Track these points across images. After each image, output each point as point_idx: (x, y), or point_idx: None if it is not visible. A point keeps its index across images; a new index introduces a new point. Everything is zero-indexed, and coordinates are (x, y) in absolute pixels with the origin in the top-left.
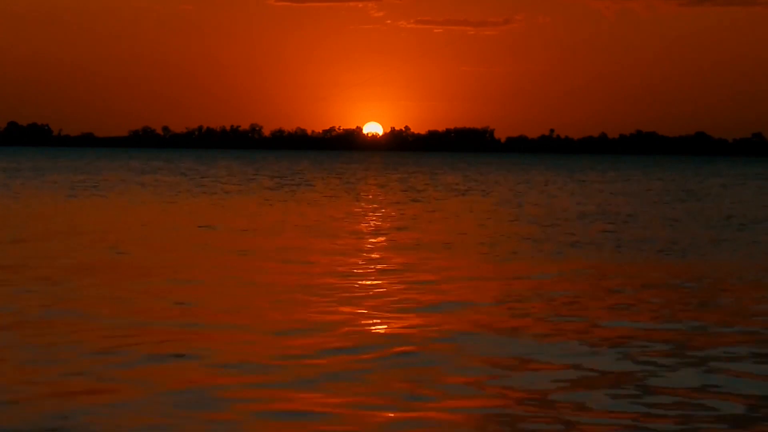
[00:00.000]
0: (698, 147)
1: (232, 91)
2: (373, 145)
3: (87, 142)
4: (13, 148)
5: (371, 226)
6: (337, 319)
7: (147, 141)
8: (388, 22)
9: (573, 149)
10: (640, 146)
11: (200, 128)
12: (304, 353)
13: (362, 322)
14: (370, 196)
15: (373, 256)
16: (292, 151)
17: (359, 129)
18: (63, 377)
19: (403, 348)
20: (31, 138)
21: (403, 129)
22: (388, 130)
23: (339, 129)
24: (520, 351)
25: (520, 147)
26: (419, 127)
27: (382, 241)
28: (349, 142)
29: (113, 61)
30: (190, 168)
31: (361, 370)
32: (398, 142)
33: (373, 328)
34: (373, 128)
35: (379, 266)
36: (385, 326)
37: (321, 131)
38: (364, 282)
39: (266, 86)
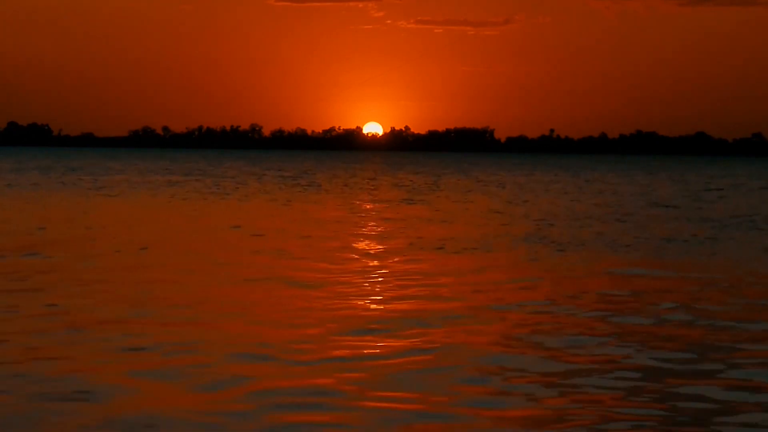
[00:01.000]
0: (698, 147)
1: (232, 91)
2: (373, 145)
3: (87, 142)
4: (13, 148)
5: (398, 226)
6: (399, 317)
7: (147, 141)
8: (388, 22)
9: (573, 149)
10: (640, 146)
11: (200, 128)
12: (381, 353)
13: (429, 322)
14: (386, 196)
15: (409, 257)
16: (292, 151)
17: (359, 129)
18: (154, 378)
19: (479, 348)
20: (31, 138)
21: (403, 129)
22: (388, 130)
23: (339, 129)
24: (594, 351)
25: (520, 147)
26: (419, 127)
27: (413, 242)
28: (349, 142)
29: (113, 62)
30: (197, 168)
31: (441, 368)
32: (398, 142)
33: (442, 328)
34: (373, 128)
35: (421, 266)
36: (452, 327)
37: (321, 131)
38: (415, 282)
39: (266, 86)
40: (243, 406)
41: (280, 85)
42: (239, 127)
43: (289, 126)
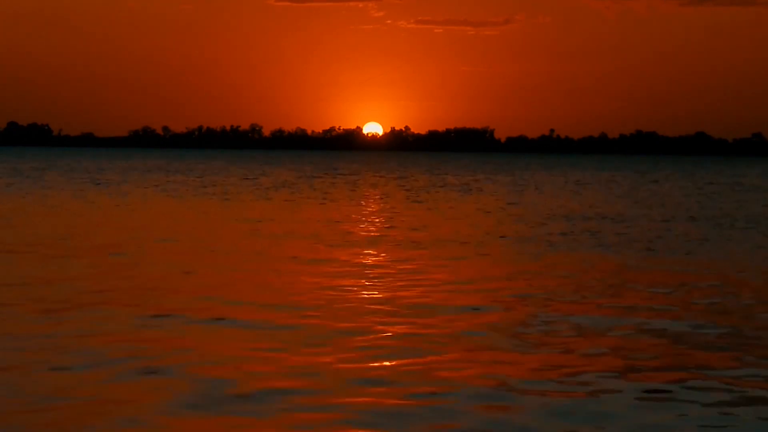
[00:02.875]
0: (698, 147)
1: (232, 91)
2: (373, 145)
3: (87, 142)
4: (13, 148)
5: (448, 226)
6: (495, 323)
7: (147, 141)
8: (388, 22)
9: (573, 149)
10: (640, 146)
11: (200, 128)
12: (489, 360)
13: (528, 323)
14: (426, 196)
15: (463, 254)
16: (293, 151)
17: (359, 129)
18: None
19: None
20: (31, 138)
21: (403, 129)
22: (388, 130)
23: (339, 129)
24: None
25: (520, 147)
26: (419, 127)
27: (461, 240)
28: (349, 142)
29: (113, 61)
30: (208, 169)
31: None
32: (398, 142)
33: (540, 330)
34: (373, 128)
35: (481, 268)
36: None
37: (321, 131)
38: (486, 282)
39: (266, 86)
40: (399, 402)
41: (280, 85)
42: (239, 127)
43: (289, 126)
